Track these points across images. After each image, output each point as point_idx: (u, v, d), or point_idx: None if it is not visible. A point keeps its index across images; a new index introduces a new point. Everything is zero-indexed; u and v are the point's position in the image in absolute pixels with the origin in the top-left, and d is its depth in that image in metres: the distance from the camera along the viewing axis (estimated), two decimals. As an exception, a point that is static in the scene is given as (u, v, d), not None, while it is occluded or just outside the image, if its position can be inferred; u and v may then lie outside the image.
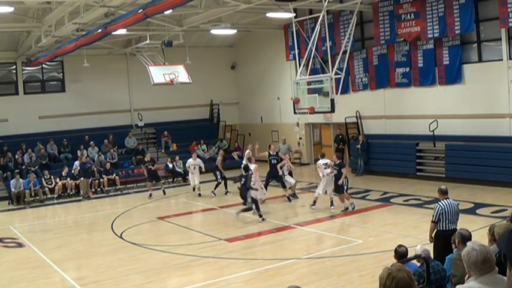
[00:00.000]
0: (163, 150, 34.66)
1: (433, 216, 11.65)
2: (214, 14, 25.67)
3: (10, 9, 21.59)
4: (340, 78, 23.67)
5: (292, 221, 19.21)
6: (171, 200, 26.51)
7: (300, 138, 33.85)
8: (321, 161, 21.08)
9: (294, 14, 25.77)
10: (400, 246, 9.59)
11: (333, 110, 23.19)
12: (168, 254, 16.15)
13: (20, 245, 18.83)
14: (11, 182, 27.26)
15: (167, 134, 35.23)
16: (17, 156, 30.15)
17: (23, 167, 29.13)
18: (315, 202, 20.76)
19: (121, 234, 19.20)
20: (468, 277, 5.18)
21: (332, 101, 22.71)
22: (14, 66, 33.40)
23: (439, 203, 11.69)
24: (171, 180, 31.11)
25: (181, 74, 29.61)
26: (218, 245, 16.64)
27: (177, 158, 31.38)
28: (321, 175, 20.84)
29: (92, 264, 15.71)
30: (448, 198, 11.78)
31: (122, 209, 24.13)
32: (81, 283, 13.89)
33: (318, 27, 23.43)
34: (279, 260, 14.60)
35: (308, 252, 15.52)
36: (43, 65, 33.45)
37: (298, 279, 12.65)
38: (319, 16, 23.23)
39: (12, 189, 26.89)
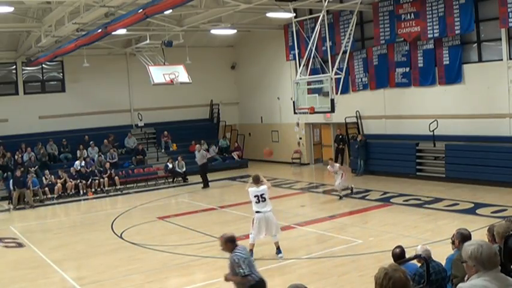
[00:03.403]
0: (163, 150, 34.66)
1: (242, 269, 9.37)
2: (214, 14, 25.66)
3: (10, 9, 21.59)
4: (340, 78, 23.66)
5: (292, 221, 19.13)
6: (171, 200, 26.53)
7: (300, 138, 33.83)
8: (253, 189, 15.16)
9: (294, 14, 25.77)
10: (397, 247, 9.55)
11: (332, 110, 23.18)
12: (168, 254, 16.16)
13: (20, 245, 18.85)
14: (11, 181, 27.28)
15: (167, 134, 35.23)
16: (16, 157, 30.18)
17: (22, 167, 29.06)
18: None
19: (121, 234, 19.20)
20: (469, 276, 5.16)
21: (332, 101, 22.71)
22: (14, 66, 33.41)
23: (237, 253, 9.49)
24: (171, 180, 31.11)
25: (181, 74, 29.63)
26: (218, 245, 16.59)
27: (180, 158, 31.33)
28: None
29: (92, 264, 15.74)
30: (237, 245, 9.68)
31: (121, 209, 24.14)
32: (81, 283, 13.90)
33: (318, 27, 23.43)
34: (278, 259, 14.61)
35: (308, 252, 15.53)
36: (43, 65, 33.47)
37: (298, 279, 12.62)
38: (319, 16, 23.23)
39: (12, 189, 26.90)
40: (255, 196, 14.64)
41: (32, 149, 31.00)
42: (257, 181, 15.06)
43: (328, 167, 23.14)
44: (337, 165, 23.45)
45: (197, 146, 30.14)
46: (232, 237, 9.56)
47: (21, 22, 26.48)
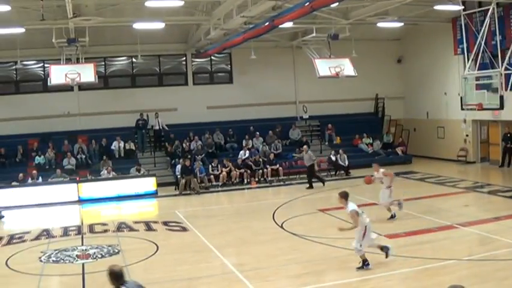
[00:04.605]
0: (327, 143, 34.75)
1: None
2: (381, 7, 25.44)
3: (181, 3, 22.54)
4: (511, 73, 22.73)
5: (454, 220, 18.58)
6: (333, 192, 26.45)
7: (467, 136, 32.81)
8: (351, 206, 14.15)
9: (463, 7, 25.09)
10: None
11: (501, 107, 22.39)
12: (327, 246, 16.20)
13: (184, 229, 19.65)
14: (178, 168, 28.45)
15: (331, 126, 35.27)
16: (184, 145, 31.39)
17: (190, 156, 30.08)
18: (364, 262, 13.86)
19: (282, 224, 19.49)
20: None
21: (501, 97, 21.96)
22: (184, 58, 34.92)
23: None
24: (334, 173, 31.17)
25: (346, 67, 29.59)
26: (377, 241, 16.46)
27: (341, 151, 31.39)
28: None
29: (252, 252, 16.14)
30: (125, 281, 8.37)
31: (283, 200, 24.46)
32: (241, 269, 14.25)
33: (487, 20, 22.73)
34: (438, 260, 14.23)
35: (469, 253, 15.03)
36: (212, 57, 34.58)
37: (458, 281, 12.24)
38: (488, 9, 22.50)
39: (179, 175, 28.03)
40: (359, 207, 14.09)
41: (200, 137, 32.14)
42: (347, 197, 14.26)
43: (374, 173, 20.09)
44: (382, 170, 19.99)
45: (305, 147, 29.29)
46: (118, 272, 8.25)
47: (191, 15, 27.44)
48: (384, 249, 14.09)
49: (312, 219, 20.59)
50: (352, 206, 13.96)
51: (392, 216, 19.41)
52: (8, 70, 32.60)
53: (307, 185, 27.60)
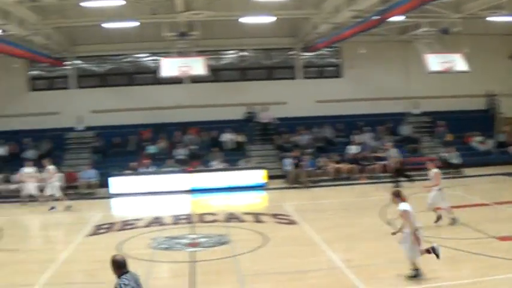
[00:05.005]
0: (438, 140, 33.99)
1: None
2: (494, 1, 24.71)
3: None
4: None
5: None
6: (445, 191, 25.92)
7: None
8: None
9: None
10: None
11: None
12: (437, 246, 15.87)
13: (292, 222, 19.72)
14: (287, 161, 28.59)
15: (443, 123, 34.48)
16: (293, 138, 31.50)
17: (299, 149, 30.16)
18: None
19: (390, 221, 19.24)
20: None
21: None
22: (293, 52, 35.00)
23: (123, 280, 8.13)
24: (446, 171, 30.50)
25: (458, 62, 28.86)
26: (489, 243, 15.90)
27: (452, 149, 30.65)
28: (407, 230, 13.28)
29: (360, 248, 16.02)
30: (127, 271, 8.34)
31: (392, 197, 24.08)
32: (348, 265, 14.17)
33: None
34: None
35: None
36: (321, 51, 34.47)
37: None
38: None
39: (288, 169, 28.18)
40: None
41: (309, 131, 32.17)
42: (399, 196, 13.60)
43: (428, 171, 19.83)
44: (435, 170, 19.53)
45: (388, 143, 28.95)
46: (120, 262, 8.34)
47: (300, 9, 27.46)
48: (432, 250, 13.34)
49: (421, 218, 20.16)
50: (403, 205, 13.28)
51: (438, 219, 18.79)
52: (122, 62, 33.84)
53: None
